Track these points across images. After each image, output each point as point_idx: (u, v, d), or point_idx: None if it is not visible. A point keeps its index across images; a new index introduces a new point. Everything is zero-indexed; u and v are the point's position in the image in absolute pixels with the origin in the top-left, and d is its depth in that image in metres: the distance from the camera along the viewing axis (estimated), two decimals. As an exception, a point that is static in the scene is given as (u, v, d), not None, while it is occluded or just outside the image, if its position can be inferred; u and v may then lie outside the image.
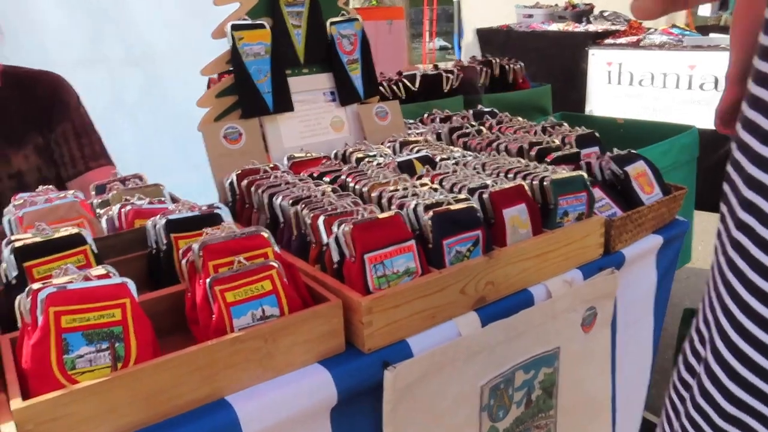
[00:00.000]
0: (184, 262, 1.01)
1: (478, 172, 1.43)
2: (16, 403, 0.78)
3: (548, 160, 1.54)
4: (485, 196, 1.26)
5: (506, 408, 1.23)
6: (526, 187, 1.32)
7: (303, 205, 1.20)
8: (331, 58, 1.74)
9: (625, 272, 1.45)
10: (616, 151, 1.59)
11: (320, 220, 1.13)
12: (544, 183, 1.33)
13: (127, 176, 1.47)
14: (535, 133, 1.82)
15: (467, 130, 1.86)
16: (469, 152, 1.68)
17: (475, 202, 1.23)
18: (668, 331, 1.96)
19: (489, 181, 1.33)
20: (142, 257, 1.21)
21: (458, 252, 1.17)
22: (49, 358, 0.84)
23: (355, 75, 1.77)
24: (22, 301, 0.88)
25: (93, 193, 1.43)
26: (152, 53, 3.05)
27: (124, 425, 0.84)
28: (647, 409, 2.44)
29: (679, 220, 1.65)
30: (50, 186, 1.36)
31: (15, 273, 1.01)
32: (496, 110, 2.15)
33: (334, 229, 1.09)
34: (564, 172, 1.37)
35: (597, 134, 1.81)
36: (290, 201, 1.23)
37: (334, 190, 1.29)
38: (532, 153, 1.63)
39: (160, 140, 2.93)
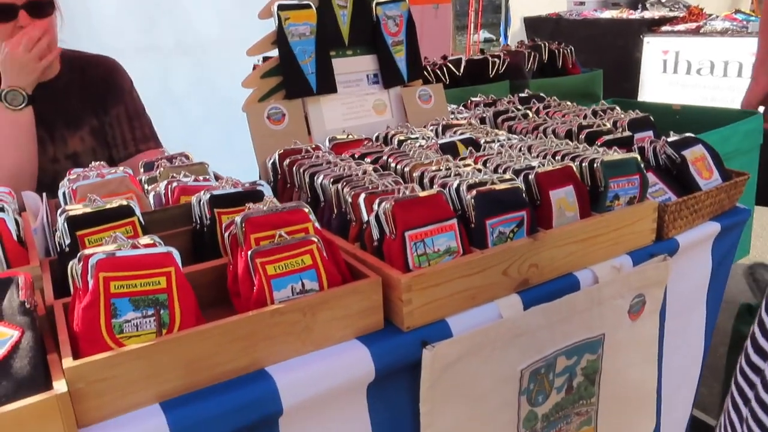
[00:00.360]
0: (226, 235, 1.03)
1: (524, 154, 1.40)
2: (68, 362, 0.80)
3: (598, 143, 1.50)
4: (531, 176, 1.23)
5: (546, 393, 1.20)
6: (575, 169, 1.28)
7: (344, 183, 1.20)
8: (375, 39, 1.73)
9: (679, 260, 1.40)
10: (672, 134, 1.53)
11: (361, 198, 1.13)
12: (594, 164, 1.29)
13: (174, 155, 1.51)
14: (585, 117, 1.77)
15: (513, 114, 1.83)
16: (515, 136, 1.65)
17: (520, 183, 1.21)
18: (721, 328, 1.88)
19: (535, 163, 1.30)
20: (187, 232, 1.24)
21: (501, 233, 1.15)
22: (98, 321, 0.86)
23: (400, 57, 1.76)
24: (74, 267, 0.91)
25: (141, 170, 1.47)
26: (202, 42, 3.12)
27: (167, 389, 0.86)
28: (696, 406, 2.36)
29: (740, 208, 1.57)
30: (102, 162, 1.41)
31: (68, 241, 1.05)
32: (543, 95, 2.10)
33: (375, 206, 1.09)
34: (615, 154, 1.33)
35: (651, 118, 1.75)
36: (331, 180, 1.24)
37: (375, 170, 1.29)
38: (582, 136, 1.58)
39: (205, 128, 3.00)
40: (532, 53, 2.53)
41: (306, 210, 1.05)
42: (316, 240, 1.01)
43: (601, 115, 1.80)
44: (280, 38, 1.55)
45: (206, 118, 3.01)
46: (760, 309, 0.81)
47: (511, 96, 2.13)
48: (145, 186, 1.39)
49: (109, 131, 1.94)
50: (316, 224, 1.06)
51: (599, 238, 1.26)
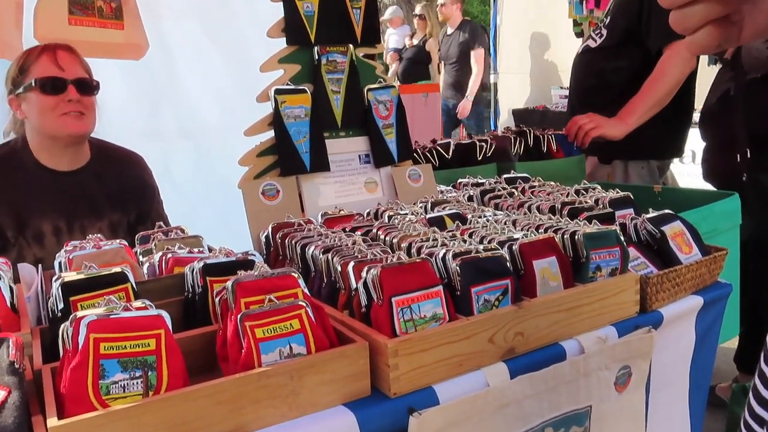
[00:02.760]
0: (217, 300, 1.05)
1: (509, 228, 1.45)
2: (53, 422, 0.81)
3: (580, 219, 1.55)
4: (515, 247, 1.27)
5: (535, 465, 1.19)
6: (557, 240, 1.33)
7: (334, 253, 1.23)
8: (367, 122, 1.82)
9: (662, 332, 1.41)
10: (651, 211, 1.59)
11: (350, 266, 1.16)
12: (576, 236, 1.34)
13: (170, 228, 1.55)
14: (568, 194, 1.84)
15: (499, 193, 1.90)
16: (501, 211, 1.71)
17: (504, 253, 1.25)
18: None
19: (519, 235, 1.35)
20: (179, 302, 1.26)
21: (487, 301, 1.18)
22: (86, 381, 0.87)
23: (390, 139, 1.85)
24: (65, 329, 0.93)
25: (137, 242, 1.51)
26: (202, 126, 3.24)
27: (150, 453, 0.86)
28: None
29: (722, 283, 1.61)
30: (99, 235, 1.44)
31: (61, 306, 1.07)
32: (528, 176, 2.18)
33: (363, 273, 1.12)
34: (596, 227, 1.38)
35: (632, 197, 1.82)
36: (321, 250, 1.27)
37: (364, 241, 1.33)
38: (565, 212, 1.64)
39: (203, 209, 3.06)
40: (518, 138, 2.65)
41: (295, 276, 1.08)
42: (304, 305, 1.03)
43: (583, 193, 1.87)
44: (276, 119, 1.64)
45: (205, 199, 3.09)
46: (759, 362, 0.83)
47: (498, 177, 2.21)
48: (140, 257, 1.43)
49: (150, 228, 2.00)
50: (305, 290, 1.09)
51: (584, 308, 1.28)
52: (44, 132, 1.80)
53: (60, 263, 1.30)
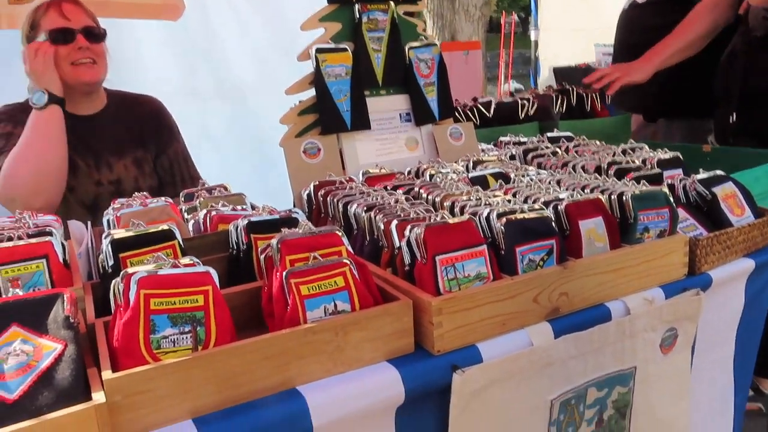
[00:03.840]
0: (262, 257, 1.06)
1: (552, 188, 1.42)
2: (107, 374, 0.83)
3: (627, 179, 1.51)
4: (560, 207, 1.25)
5: (576, 425, 1.18)
6: (604, 201, 1.29)
7: (376, 211, 1.23)
8: (408, 80, 1.79)
9: (711, 295, 1.38)
10: (702, 172, 1.54)
11: (393, 225, 1.16)
12: (624, 197, 1.30)
13: (213, 186, 1.56)
14: (615, 154, 1.78)
15: (542, 152, 1.85)
16: (544, 171, 1.67)
17: (549, 213, 1.22)
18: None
19: (564, 195, 1.32)
20: (224, 258, 1.28)
21: (531, 260, 1.16)
22: (137, 336, 0.89)
23: (431, 97, 1.81)
24: (116, 285, 0.95)
25: (182, 199, 1.53)
26: (239, 86, 3.25)
27: (200, 405, 0.88)
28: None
29: (775, 245, 1.56)
30: (145, 192, 1.47)
31: (111, 263, 1.09)
32: (572, 134, 2.12)
33: (407, 232, 1.11)
34: (645, 188, 1.34)
35: (681, 157, 1.75)
36: (364, 208, 1.27)
37: (407, 199, 1.32)
38: (611, 172, 1.60)
39: (240, 166, 3.10)
40: (561, 96, 2.57)
41: (339, 234, 1.08)
42: (348, 262, 1.03)
43: (629, 153, 1.81)
44: (317, 78, 1.62)
45: (241, 157, 3.12)
46: None
47: (540, 136, 2.16)
48: (185, 215, 1.45)
49: (168, 169, 2.06)
50: (349, 248, 1.09)
51: (630, 270, 1.25)
52: (61, 80, 1.85)
53: (108, 221, 1.32)
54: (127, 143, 2.00)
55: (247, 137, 3.22)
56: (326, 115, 1.63)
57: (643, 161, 1.72)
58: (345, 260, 1.03)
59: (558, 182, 1.48)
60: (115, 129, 1.99)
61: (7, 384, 0.81)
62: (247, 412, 0.90)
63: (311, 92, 1.66)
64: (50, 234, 1.18)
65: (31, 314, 0.89)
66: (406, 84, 1.80)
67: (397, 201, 1.26)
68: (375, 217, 1.22)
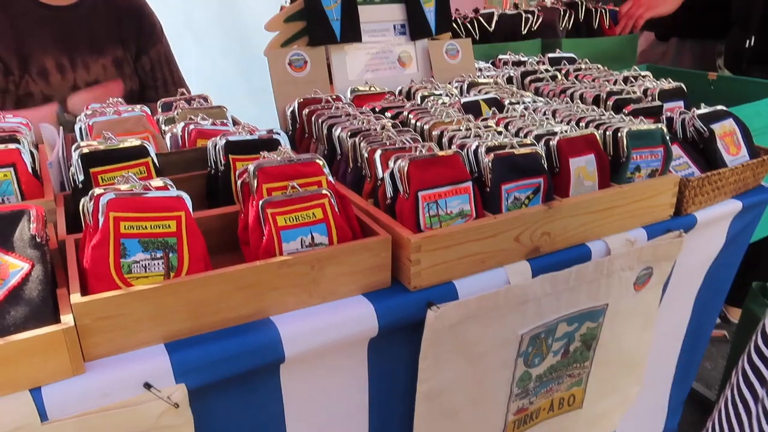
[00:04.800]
0: (239, 183, 1.02)
1: (548, 119, 1.37)
2: (76, 297, 0.82)
3: (626, 112, 1.45)
4: (552, 143, 1.20)
5: (542, 356, 1.21)
6: (598, 137, 1.25)
7: (361, 138, 1.18)
8: (405, -13, 1.67)
9: (692, 235, 1.37)
10: (703, 106, 1.48)
11: (377, 154, 1.12)
12: (618, 134, 1.25)
13: (193, 96, 1.49)
14: (615, 82, 1.71)
15: (541, 75, 1.78)
16: (541, 98, 1.60)
17: (540, 149, 1.18)
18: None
19: (558, 129, 1.27)
20: (202, 176, 1.24)
21: (516, 199, 1.13)
22: (107, 260, 0.87)
23: (429, 8, 1.70)
24: (85, 204, 0.92)
25: (159, 109, 1.46)
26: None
27: (172, 331, 0.88)
28: (698, 380, 2.36)
29: (765, 187, 1.53)
30: (120, 99, 1.40)
31: (82, 177, 1.05)
32: (575, 56, 2.03)
33: (391, 164, 1.07)
34: (642, 124, 1.29)
35: (684, 88, 1.69)
36: (349, 133, 1.22)
37: (394, 126, 1.26)
38: (609, 103, 1.54)
39: (225, 63, 2.96)
40: (568, 11, 2.43)
41: (320, 163, 1.04)
42: (328, 194, 1.00)
43: (632, 81, 1.74)
44: (306, -20, 1.51)
45: (226, 53, 2.98)
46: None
47: (542, 55, 2.06)
48: (162, 126, 1.39)
49: (149, 71, 1.95)
50: (330, 178, 1.05)
51: (616, 210, 1.23)
52: None
53: (80, 129, 1.27)
54: (106, 40, 1.87)
55: (232, 31, 3.06)
56: (314, 24, 1.53)
57: (645, 91, 1.66)
58: (324, 191, 1.00)
59: (553, 113, 1.43)
60: (93, 23, 1.86)
61: (-27, 302, 0.80)
62: (218, 339, 0.90)
63: (301, -4, 1.55)
64: (17, 141, 1.13)
65: (-6, 230, 0.86)
66: (403, -8, 1.69)
67: (383, 128, 1.21)
68: (360, 144, 1.17)
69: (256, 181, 0.98)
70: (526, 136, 1.25)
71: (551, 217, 1.14)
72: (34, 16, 1.77)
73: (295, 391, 1.00)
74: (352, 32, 1.58)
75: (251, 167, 0.99)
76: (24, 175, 1.10)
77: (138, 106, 1.34)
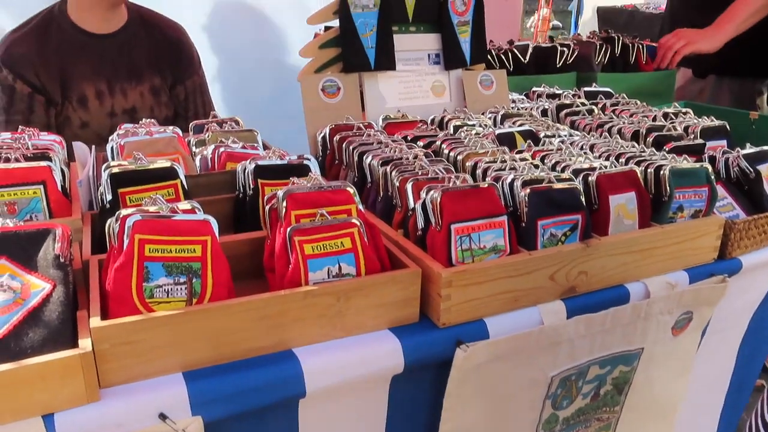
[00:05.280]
0: (267, 208, 1.00)
1: (585, 153, 1.32)
2: (95, 321, 0.79)
3: (667, 149, 1.40)
4: (591, 178, 1.16)
5: (571, 398, 1.15)
6: (639, 174, 1.20)
7: (393, 167, 1.15)
8: (441, 17, 1.66)
9: (735, 280, 1.30)
10: (749, 146, 1.43)
11: (409, 184, 1.08)
12: (661, 171, 1.21)
13: (224, 119, 1.49)
14: (655, 118, 1.67)
15: (577, 109, 1.74)
16: (577, 132, 1.56)
17: (578, 184, 1.14)
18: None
19: (597, 164, 1.23)
20: (230, 200, 1.22)
21: (553, 235, 1.09)
22: (130, 283, 0.85)
23: (464, 38, 1.69)
24: (111, 225, 0.90)
25: (191, 131, 1.46)
26: (264, 2, 3.09)
27: (191, 360, 0.85)
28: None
29: (812, 232, 1.46)
30: (152, 120, 1.40)
31: (110, 197, 1.04)
32: (611, 91, 1.99)
33: (423, 194, 1.04)
34: (685, 162, 1.24)
35: (727, 126, 1.63)
36: (380, 161, 1.19)
37: (426, 155, 1.23)
38: (649, 139, 1.49)
39: (260, 87, 2.99)
40: (604, 45, 2.40)
41: (351, 191, 1.01)
42: (358, 223, 0.97)
43: (672, 118, 1.69)
44: (342, 8, 1.50)
45: (262, 77, 3.01)
46: None
47: (577, 89, 2.03)
48: (193, 148, 1.38)
49: (183, 102, 1.97)
50: (360, 207, 1.02)
51: (657, 251, 1.18)
52: None
53: (112, 148, 1.26)
54: (144, 68, 1.88)
55: (269, 55, 3.09)
56: (349, 51, 1.52)
57: (686, 128, 1.60)
58: (354, 220, 0.97)
59: (591, 147, 1.39)
60: (133, 51, 1.88)
61: (-8, 321, 0.78)
62: (239, 370, 0.86)
63: (336, 22, 1.55)
64: (49, 159, 1.12)
65: (20, 248, 0.85)
66: (439, 21, 1.67)
67: (416, 157, 1.18)
68: (391, 172, 1.14)
69: (284, 208, 0.96)
70: (563, 170, 1.20)
71: (589, 255, 1.09)
72: (76, 44, 1.80)
73: (312, 427, 0.96)
74: (386, 60, 1.57)
75: (280, 193, 0.97)
76: (53, 193, 1.09)
77: (170, 128, 1.33)
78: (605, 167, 1.21)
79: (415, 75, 1.66)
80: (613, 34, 2.48)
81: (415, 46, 1.66)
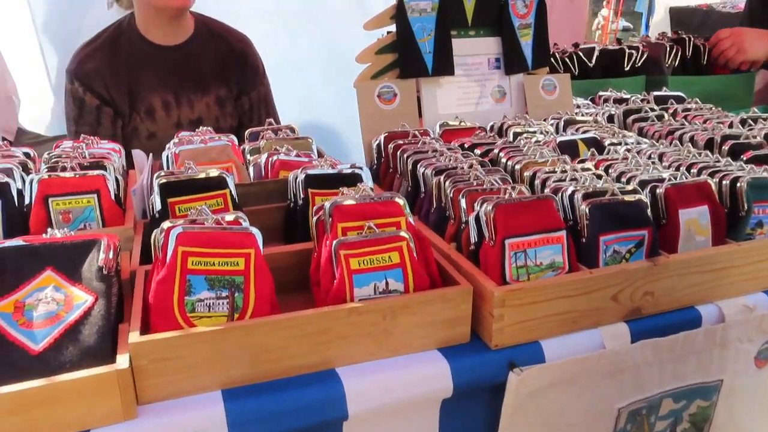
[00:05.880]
0: (314, 219, 0.97)
1: (653, 163, 1.24)
2: (134, 337, 0.78)
3: (744, 158, 1.29)
4: (659, 190, 1.08)
5: (645, 437, 1.07)
6: (713, 186, 1.11)
7: (446, 177, 1.10)
8: (501, 20, 1.60)
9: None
10: (837, 156, 1.30)
11: (462, 195, 1.03)
12: (738, 184, 1.11)
13: (280, 126, 1.48)
14: (731, 125, 1.55)
15: (646, 115, 1.64)
16: (645, 140, 1.47)
17: (645, 197, 1.06)
18: None
19: (666, 175, 1.14)
20: (281, 209, 1.20)
21: (616, 252, 1.01)
22: (172, 296, 0.84)
23: (526, 41, 1.62)
24: (156, 236, 0.89)
25: (247, 138, 1.46)
26: (327, 8, 3.10)
27: (231, 377, 0.83)
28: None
29: None
30: (209, 128, 1.40)
31: (159, 207, 1.04)
32: (683, 95, 1.87)
33: (477, 206, 0.99)
34: (765, 173, 1.13)
35: (812, 134, 1.49)
36: (433, 170, 1.15)
37: (482, 164, 1.18)
38: (725, 148, 1.38)
39: (324, 93, 3.00)
40: (675, 47, 2.26)
41: (400, 203, 0.97)
42: (407, 237, 0.93)
43: (750, 124, 1.57)
44: (399, 13, 1.47)
45: (325, 82, 3.01)
46: None
47: (646, 93, 1.92)
48: (248, 156, 1.38)
49: (247, 112, 1.98)
50: (410, 219, 0.98)
51: (732, 271, 1.08)
52: (150, 4, 1.78)
53: (167, 156, 1.27)
54: (211, 79, 1.90)
55: (331, 62, 3.10)
56: (406, 57, 1.48)
57: (766, 136, 1.48)
58: (403, 234, 0.93)
59: (660, 156, 1.29)
60: (200, 62, 1.90)
61: (34, 333, 0.79)
62: (279, 389, 0.84)
63: (393, 27, 1.51)
64: (104, 168, 1.14)
65: (66, 259, 0.86)
66: (499, 25, 1.61)
67: (471, 166, 1.13)
68: (444, 183, 1.10)
69: (331, 220, 0.93)
70: (628, 181, 1.12)
71: (656, 274, 1.01)
72: (144, 56, 1.84)
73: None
74: (444, 65, 1.52)
75: (327, 204, 0.94)
76: (106, 202, 1.10)
77: (225, 137, 1.33)
78: (675, 178, 1.12)
79: (474, 80, 1.60)
80: (683, 35, 2.34)
81: (475, 50, 1.60)
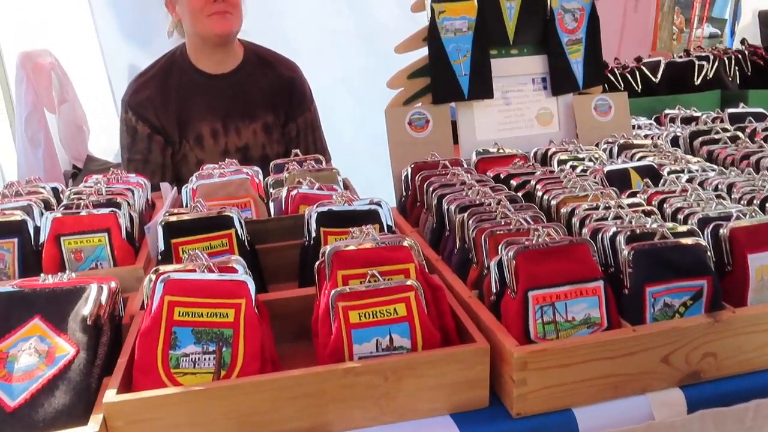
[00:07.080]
0: (316, 265, 0.89)
1: (719, 196, 1.07)
2: (110, 395, 0.73)
3: (834, 190, 1.10)
4: (723, 231, 0.92)
5: None
6: (791, 227, 0.93)
7: (470, 214, 0.99)
8: (547, 37, 1.47)
9: None
10: None
11: (484, 237, 0.92)
12: (822, 224, 0.93)
13: (306, 157, 1.41)
14: (820, 148, 1.34)
15: (717, 136, 1.45)
16: (714, 166, 1.29)
17: (704, 240, 0.90)
18: None
19: (734, 211, 0.98)
20: (298, 246, 1.13)
21: (668, 305, 0.86)
22: (155, 350, 0.78)
23: (576, 59, 1.48)
24: (149, 283, 0.84)
25: (272, 170, 1.40)
26: (380, 28, 3.06)
27: (214, 443, 0.75)
28: None
29: None
30: (234, 160, 1.36)
31: (162, 248, 0.99)
32: (765, 112, 1.66)
33: (500, 250, 0.87)
34: None
35: None
36: (457, 207, 1.04)
37: (514, 200, 1.06)
38: (810, 176, 1.19)
39: (378, 114, 2.96)
40: (755, 58, 2.04)
41: (409, 247, 0.87)
42: (416, 286, 0.82)
43: None
44: (431, 34, 1.38)
45: (377, 102, 2.98)
46: None
47: (720, 110, 1.72)
48: (270, 189, 1.32)
49: (294, 138, 1.96)
50: (422, 263, 0.88)
51: (817, 327, 0.90)
52: (195, 33, 1.79)
53: (187, 192, 1.23)
54: (258, 107, 1.89)
55: (383, 84, 3.06)
56: (439, 80, 1.39)
57: None
58: (411, 283, 0.82)
59: (729, 187, 1.12)
60: (248, 90, 1.89)
61: (12, 388, 0.75)
62: (267, 457, 0.75)
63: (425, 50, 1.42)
64: (117, 205, 1.11)
65: (55, 307, 0.82)
66: (545, 42, 1.49)
67: (499, 203, 1.01)
68: (468, 221, 0.98)
69: (330, 267, 0.84)
70: (686, 220, 0.97)
71: (718, 332, 0.85)
72: (194, 84, 1.85)
73: None
74: (482, 88, 1.41)
75: (327, 249, 0.85)
76: (117, 240, 1.07)
77: (250, 168, 1.28)
78: (744, 215, 0.95)
79: (517, 102, 1.48)
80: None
81: (517, 70, 1.49)
